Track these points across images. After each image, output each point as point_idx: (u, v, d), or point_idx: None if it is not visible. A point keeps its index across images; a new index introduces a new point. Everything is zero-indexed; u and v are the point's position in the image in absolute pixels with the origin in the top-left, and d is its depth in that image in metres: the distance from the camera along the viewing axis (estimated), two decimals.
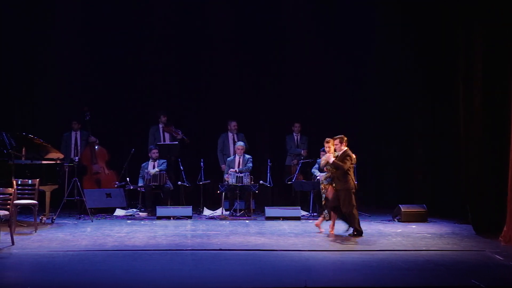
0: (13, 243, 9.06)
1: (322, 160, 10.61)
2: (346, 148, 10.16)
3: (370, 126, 14.17)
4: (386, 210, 12.60)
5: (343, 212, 10.13)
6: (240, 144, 12.83)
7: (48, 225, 11.06)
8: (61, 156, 11.88)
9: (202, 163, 12.76)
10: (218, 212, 12.45)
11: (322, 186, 10.80)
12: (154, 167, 12.71)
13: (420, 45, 12.99)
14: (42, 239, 9.65)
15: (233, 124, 13.28)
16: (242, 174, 12.40)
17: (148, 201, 12.51)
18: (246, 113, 13.98)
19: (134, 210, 12.64)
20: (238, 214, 12.26)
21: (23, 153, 11.31)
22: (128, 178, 12.74)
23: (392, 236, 10.20)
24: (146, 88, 14.22)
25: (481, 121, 10.55)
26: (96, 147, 13.20)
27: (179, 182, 12.80)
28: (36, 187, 10.60)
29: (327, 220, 10.55)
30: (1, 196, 9.51)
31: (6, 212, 9.27)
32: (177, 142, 13.18)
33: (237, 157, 12.76)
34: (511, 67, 9.97)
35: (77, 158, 12.38)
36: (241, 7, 14.08)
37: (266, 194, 13.33)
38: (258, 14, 14.13)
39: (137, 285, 7.18)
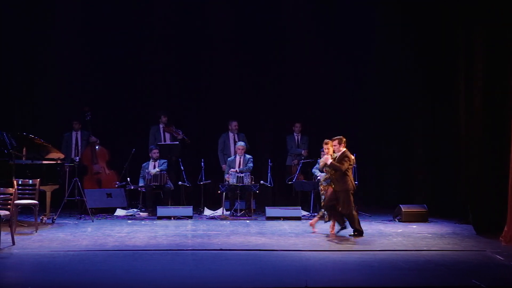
0: (13, 243, 9.07)
1: (321, 162, 10.61)
2: (344, 149, 10.13)
3: (370, 126, 14.18)
4: (387, 210, 12.60)
5: (342, 213, 10.13)
6: (241, 144, 12.84)
7: (49, 225, 11.07)
8: (61, 156, 11.88)
9: (202, 163, 12.75)
10: (219, 212, 12.46)
11: (321, 187, 10.78)
12: (154, 167, 12.72)
13: (420, 45, 12.99)
14: (42, 239, 9.66)
15: (234, 124, 13.29)
16: (243, 174, 12.40)
17: (149, 201, 12.51)
18: (246, 113, 13.98)
19: (135, 210, 12.64)
20: (238, 214, 12.26)
21: (24, 153, 11.31)
22: (128, 178, 12.75)
23: (393, 236, 10.20)
24: (146, 88, 14.23)
25: (481, 121, 10.56)
26: (97, 147, 13.20)
27: (180, 182, 12.80)
28: (37, 187, 10.60)
29: (326, 221, 10.55)
30: (2, 196, 9.52)
31: (7, 212, 9.28)
32: (177, 142, 13.18)
33: (237, 157, 12.77)
34: (511, 67, 9.99)
35: (77, 158, 12.39)
36: (241, 7, 14.08)
37: (266, 194, 13.34)
38: (258, 14, 14.14)
39: (138, 285, 7.18)
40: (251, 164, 12.72)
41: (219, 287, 7.19)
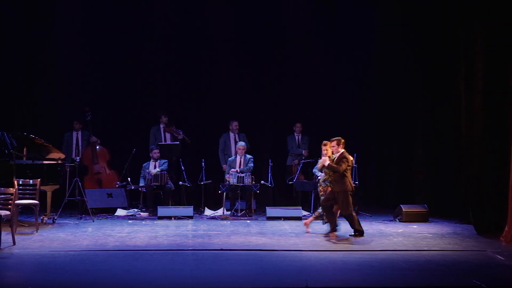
0: (14, 243, 9.07)
1: (319, 164, 10.60)
2: (343, 150, 10.10)
3: (370, 126, 14.18)
4: (387, 210, 12.60)
5: (342, 215, 10.13)
6: (242, 144, 12.84)
7: (49, 225, 11.07)
8: (62, 156, 11.88)
9: (203, 163, 12.76)
10: (219, 212, 12.46)
11: (320, 188, 10.75)
12: (155, 167, 12.72)
13: (420, 45, 13.00)
14: (43, 239, 9.66)
15: (234, 124, 13.29)
16: (243, 174, 12.41)
17: (149, 201, 12.52)
18: (246, 113, 13.99)
19: (135, 210, 12.65)
20: (239, 214, 12.27)
21: (24, 153, 11.32)
22: (129, 178, 12.75)
23: (393, 236, 10.21)
24: (146, 88, 14.23)
25: (481, 121, 10.56)
26: (97, 147, 13.21)
27: (180, 182, 12.80)
28: (37, 187, 10.61)
29: (325, 222, 10.54)
30: (3, 196, 9.52)
31: (8, 212, 9.27)
32: (178, 142, 13.19)
33: (238, 157, 12.77)
34: (511, 67, 9.99)
35: (78, 158, 12.40)
36: (241, 7, 14.08)
37: (267, 194, 13.35)
38: (258, 14, 14.14)
39: (138, 285, 7.19)
40: (252, 164, 12.73)
41: (219, 287, 7.20)
